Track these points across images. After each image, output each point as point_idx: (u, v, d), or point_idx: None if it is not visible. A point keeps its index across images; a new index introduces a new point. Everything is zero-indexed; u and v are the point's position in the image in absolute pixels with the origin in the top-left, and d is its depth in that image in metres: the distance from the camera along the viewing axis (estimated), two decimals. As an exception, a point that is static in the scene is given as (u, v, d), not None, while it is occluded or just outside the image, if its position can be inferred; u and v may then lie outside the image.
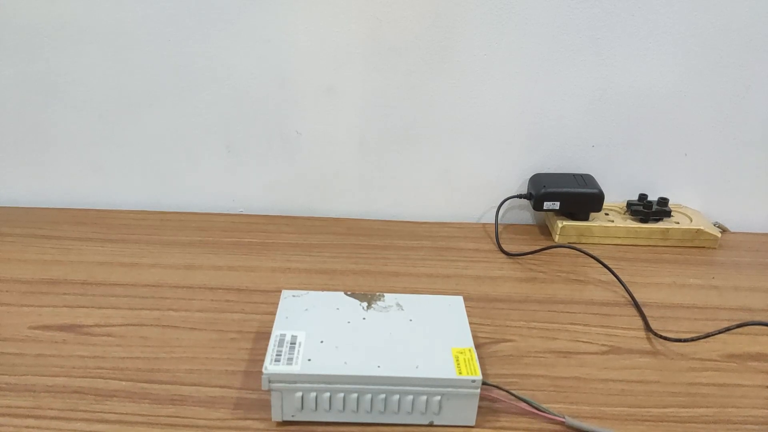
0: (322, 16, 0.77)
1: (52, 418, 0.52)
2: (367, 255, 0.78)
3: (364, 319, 0.56)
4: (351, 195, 0.87)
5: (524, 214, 0.89)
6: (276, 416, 0.52)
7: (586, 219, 0.83)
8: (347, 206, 0.88)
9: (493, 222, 0.85)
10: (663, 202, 0.83)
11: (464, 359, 0.52)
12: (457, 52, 0.79)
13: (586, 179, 0.83)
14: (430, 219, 0.88)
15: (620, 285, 0.73)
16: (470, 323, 0.57)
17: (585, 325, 0.66)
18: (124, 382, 0.56)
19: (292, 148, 0.85)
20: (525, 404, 0.54)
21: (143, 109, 0.83)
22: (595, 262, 0.76)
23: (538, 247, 0.79)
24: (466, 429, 0.53)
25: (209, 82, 0.81)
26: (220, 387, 0.56)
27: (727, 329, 0.64)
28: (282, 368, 0.50)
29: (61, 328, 0.62)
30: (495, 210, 0.85)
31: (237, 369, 0.58)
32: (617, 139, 0.84)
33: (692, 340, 0.64)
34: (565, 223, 0.82)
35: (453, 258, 0.78)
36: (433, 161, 0.85)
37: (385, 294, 0.60)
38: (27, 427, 0.51)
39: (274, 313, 0.63)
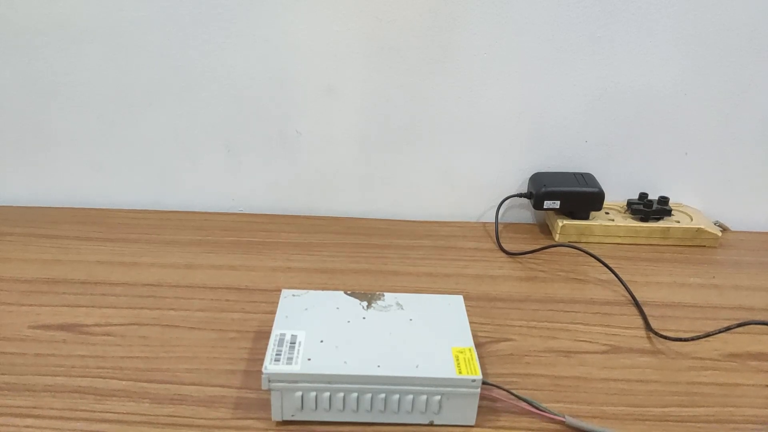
0: (322, 16, 0.77)
1: (52, 417, 0.52)
2: (367, 254, 0.78)
3: (364, 318, 0.56)
4: (351, 194, 0.87)
5: (524, 213, 0.89)
6: (276, 416, 0.52)
7: (587, 218, 0.83)
8: (347, 206, 0.88)
9: (494, 221, 0.85)
10: (663, 201, 0.83)
11: (464, 359, 0.52)
12: (457, 52, 0.79)
13: (587, 178, 0.83)
14: (430, 218, 0.88)
15: (620, 284, 0.73)
16: (470, 322, 0.57)
17: (585, 324, 0.66)
18: (124, 382, 0.56)
19: (292, 147, 0.85)
20: (525, 404, 0.54)
21: (143, 109, 0.83)
22: (596, 261, 0.76)
23: (538, 246, 0.79)
24: (466, 429, 0.53)
25: (209, 82, 0.81)
26: (220, 386, 0.56)
27: (728, 328, 0.64)
28: (282, 368, 0.50)
29: (61, 327, 0.62)
30: (495, 209, 0.85)
31: (237, 368, 0.58)
32: (617, 139, 0.84)
33: (693, 339, 0.64)
34: (565, 222, 0.82)
35: (453, 257, 0.78)
36: (433, 161, 0.85)
37: (385, 293, 0.60)
38: (27, 427, 0.51)
39: (274, 313, 0.63)
